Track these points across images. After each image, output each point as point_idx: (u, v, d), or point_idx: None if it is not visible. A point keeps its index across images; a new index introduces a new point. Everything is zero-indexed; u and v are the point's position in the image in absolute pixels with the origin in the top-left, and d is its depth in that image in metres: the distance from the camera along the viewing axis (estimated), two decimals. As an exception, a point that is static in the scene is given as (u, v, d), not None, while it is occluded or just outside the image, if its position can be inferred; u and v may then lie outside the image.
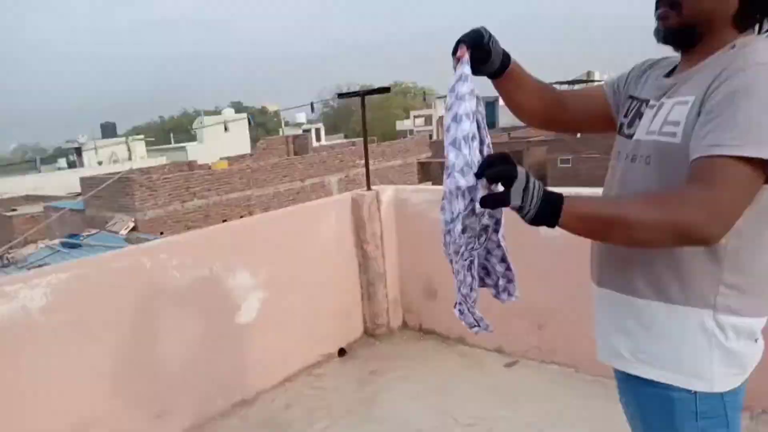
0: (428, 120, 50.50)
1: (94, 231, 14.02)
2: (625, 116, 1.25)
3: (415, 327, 3.55)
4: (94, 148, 35.08)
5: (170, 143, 43.66)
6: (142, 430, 2.60)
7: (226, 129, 37.58)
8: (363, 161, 16.17)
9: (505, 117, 41.67)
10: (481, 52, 1.24)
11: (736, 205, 0.97)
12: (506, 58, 1.31)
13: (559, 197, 1.00)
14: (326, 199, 3.55)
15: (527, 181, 0.99)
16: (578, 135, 27.56)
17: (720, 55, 1.06)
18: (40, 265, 10.98)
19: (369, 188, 3.58)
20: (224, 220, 16.24)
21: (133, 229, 14.08)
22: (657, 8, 1.12)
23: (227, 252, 2.94)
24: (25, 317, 2.31)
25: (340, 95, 3.58)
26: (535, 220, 0.99)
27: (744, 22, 1.08)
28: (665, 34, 1.12)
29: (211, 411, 2.83)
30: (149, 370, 2.65)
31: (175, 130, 54.68)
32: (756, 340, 1.12)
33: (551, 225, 1.00)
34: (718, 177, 0.95)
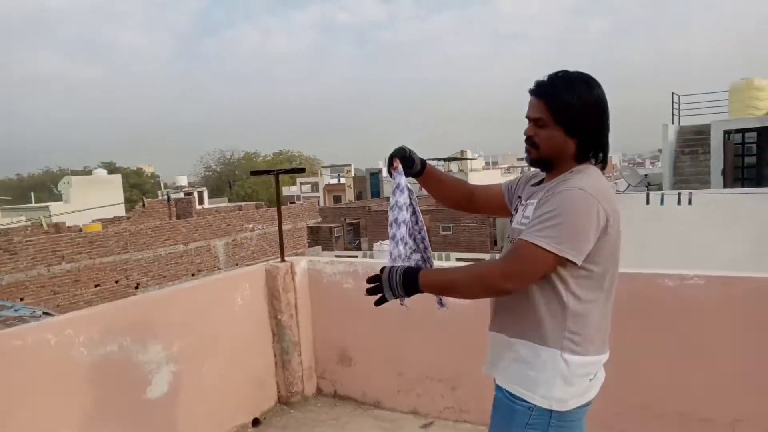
0: (314, 187, 51.13)
1: (-65, 301, 12.24)
2: (514, 209, 1.75)
3: (329, 393, 3.59)
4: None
5: (30, 202, 39.80)
6: None
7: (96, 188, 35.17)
8: (250, 225, 15.93)
9: (389, 187, 43.53)
10: (405, 161, 1.81)
11: (524, 272, 1.47)
12: (424, 163, 1.88)
13: (415, 275, 1.54)
14: (240, 270, 3.56)
15: (389, 280, 1.54)
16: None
17: (561, 176, 1.55)
18: None
19: (283, 259, 3.65)
20: (96, 285, 14.97)
21: (-13, 297, 12.49)
22: (525, 143, 1.61)
23: (138, 326, 2.84)
24: None
25: (253, 173, 3.70)
26: (408, 294, 1.56)
27: (580, 158, 1.56)
28: (530, 162, 1.63)
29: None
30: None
31: (37, 188, 50.08)
32: (590, 379, 1.55)
33: (418, 291, 1.54)
34: (518, 252, 1.48)
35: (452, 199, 1.99)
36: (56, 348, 2.51)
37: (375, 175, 47.47)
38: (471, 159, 46.08)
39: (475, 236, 26.99)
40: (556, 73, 1.55)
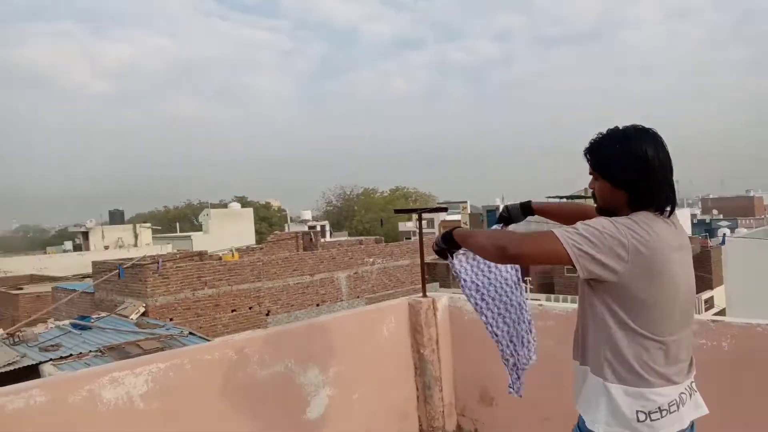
0: (431, 223, 51.53)
1: (104, 314, 13.99)
2: None
3: (470, 432, 3.62)
4: (102, 233, 35.48)
5: (175, 232, 44.22)
6: None
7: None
8: (371, 259, 16.37)
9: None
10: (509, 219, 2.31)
11: (534, 252, 1.63)
12: (527, 206, 2.30)
13: (450, 232, 1.91)
14: (385, 303, 3.75)
15: (441, 240, 1.97)
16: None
17: None
18: (53, 345, 10.92)
19: (425, 295, 3.80)
20: (233, 310, 16.23)
21: (144, 314, 14.04)
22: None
23: (301, 350, 3.12)
24: (128, 402, 2.46)
25: (397, 211, 3.92)
26: (445, 243, 1.94)
27: (634, 207, 1.65)
28: (596, 211, 1.76)
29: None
30: (229, 462, 2.73)
31: (180, 219, 55.59)
32: (646, 412, 1.57)
33: (452, 239, 1.89)
34: (542, 236, 1.61)
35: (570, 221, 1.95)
36: (236, 364, 2.84)
37: (492, 212, 46.91)
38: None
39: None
40: (603, 131, 1.70)
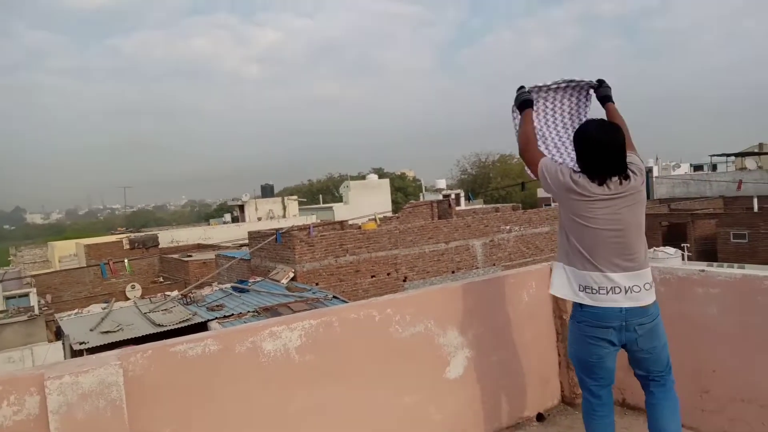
0: (571, 187, 48.60)
1: (258, 278, 15.39)
2: None
3: (617, 401, 3.44)
4: (255, 206, 38.74)
5: (318, 203, 46.88)
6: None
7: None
8: (507, 227, 15.99)
9: (662, 188, 39.02)
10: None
11: (530, 161, 2.69)
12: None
13: (526, 102, 2.81)
14: (527, 268, 3.66)
15: (518, 96, 2.85)
16: (755, 209, 24.86)
17: None
18: (218, 305, 12.28)
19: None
20: (372, 276, 16.94)
21: (293, 278, 15.20)
22: None
23: (441, 311, 3.17)
24: (285, 354, 2.69)
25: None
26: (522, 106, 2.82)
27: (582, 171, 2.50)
28: None
29: (423, 460, 2.99)
30: (373, 411, 2.91)
31: (322, 191, 58.74)
32: (593, 291, 2.46)
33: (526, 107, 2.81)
34: (539, 157, 2.66)
35: None
36: (379, 323, 2.97)
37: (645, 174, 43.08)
38: (773, 153, 38.14)
39: (778, 247, 22.30)
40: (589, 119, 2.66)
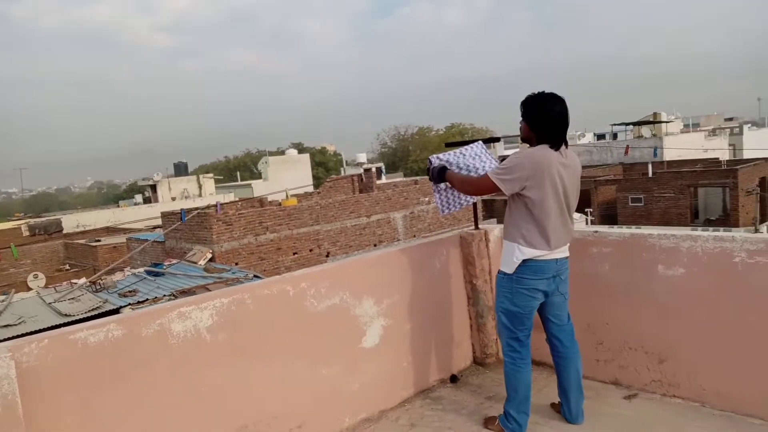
0: (487, 158, 50.26)
1: (174, 261, 14.83)
2: None
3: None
4: (168, 185, 37.04)
5: (236, 180, 45.56)
6: (285, 443, 2.84)
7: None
8: (426, 199, 16.31)
9: (567, 155, 41.09)
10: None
11: (480, 190, 2.98)
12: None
13: (443, 171, 3.17)
14: (438, 237, 3.77)
15: (431, 171, 3.25)
16: (650, 174, 26.94)
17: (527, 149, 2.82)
18: (131, 291, 11.74)
19: (477, 227, 3.79)
20: (294, 253, 16.80)
21: (211, 259, 14.77)
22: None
23: (356, 283, 3.21)
24: (195, 334, 2.63)
25: (448, 144, 3.95)
26: (436, 179, 3.22)
27: (539, 142, 2.74)
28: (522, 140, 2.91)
29: (341, 426, 3.06)
30: (291, 385, 2.92)
31: (240, 168, 57.07)
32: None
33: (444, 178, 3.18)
34: (482, 178, 2.92)
35: None
36: (294, 298, 2.96)
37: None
38: (666, 122, 41.25)
39: (672, 208, 24.41)
40: (533, 92, 2.79)
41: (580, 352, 2.91)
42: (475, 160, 3.26)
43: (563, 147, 2.72)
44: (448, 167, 3.19)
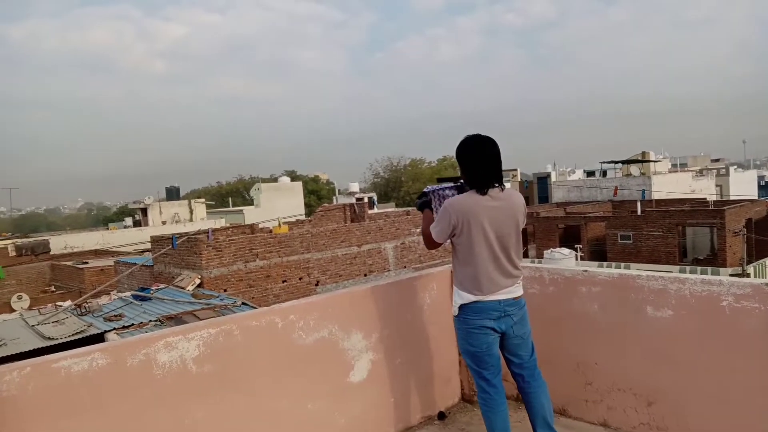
0: (478, 191, 50.51)
1: (162, 286, 14.67)
2: None
3: (512, 396, 3.62)
4: (159, 209, 36.89)
5: (228, 206, 45.47)
6: (268, 480, 2.78)
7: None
8: (418, 230, 16.39)
9: (559, 192, 41.62)
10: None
11: (430, 243, 2.94)
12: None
13: (425, 205, 3.12)
14: (429, 271, 3.77)
15: (422, 200, 3.14)
16: (639, 212, 27.21)
17: None
18: (116, 315, 11.56)
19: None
20: (284, 281, 16.68)
21: (199, 285, 14.63)
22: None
23: (345, 316, 3.19)
24: (181, 365, 2.60)
25: (440, 179, 4.00)
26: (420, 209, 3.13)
27: (470, 186, 2.79)
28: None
29: (327, 465, 3.00)
30: (276, 419, 2.87)
31: (232, 194, 57.02)
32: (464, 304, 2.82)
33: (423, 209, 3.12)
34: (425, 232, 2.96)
35: None
36: (282, 330, 2.94)
37: (543, 179, 45.84)
38: (654, 161, 41.93)
39: (661, 246, 24.59)
40: (464, 137, 2.79)
41: (546, 387, 2.90)
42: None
43: (496, 189, 2.72)
44: (433, 204, 3.21)
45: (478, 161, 2.72)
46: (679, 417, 2.90)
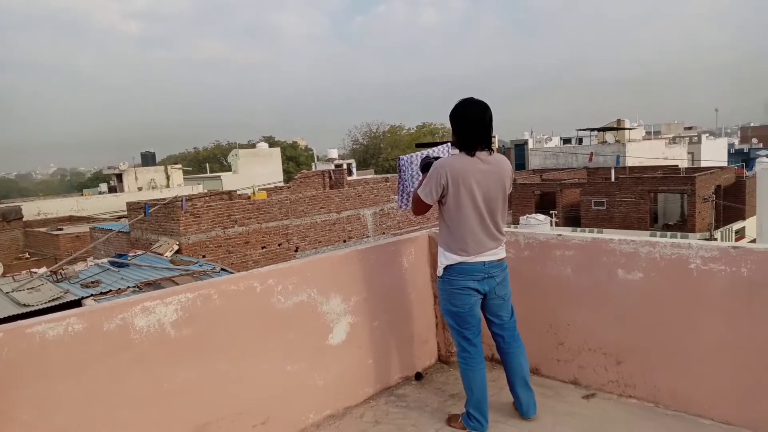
0: (458, 157, 50.57)
1: (140, 252, 14.52)
2: None
3: (487, 357, 3.70)
4: (134, 175, 36.21)
5: (205, 173, 44.80)
6: (249, 439, 2.84)
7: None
8: (396, 196, 16.42)
9: (536, 159, 41.92)
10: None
11: (417, 207, 2.97)
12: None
13: (427, 166, 2.94)
14: (407, 236, 3.79)
15: (423, 164, 3.08)
16: (612, 179, 27.61)
17: None
18: (93, 281, 11.45)
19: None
20: (263, 247, 16.64)
21: (177, 251, 14.52)
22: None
23: (323, 280, 3.21)
24: (159, 329, 2.60)
25: (419, 145, 4.01)
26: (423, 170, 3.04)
27: (461, 148, 2.81)
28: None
29: (306, 422, 3.06)
30: (256, 382, 2.91)
31: (209, 160, 56.12)
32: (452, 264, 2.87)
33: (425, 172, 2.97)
34: (414, 199, 3.00)
35: None
36: (261, 294, 2.95)
37: (520, 146, 46.02)
38: (629, 129, 42.34)
39: (632, 212, 25.09)
40: (459, 100, 2.84)
41: (524, 347, 3.00)
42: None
43: (484, 152, 2.76)
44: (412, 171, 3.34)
45: (471, 123, 2.75)
46: (646, 375, 3.02)
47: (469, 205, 2.74)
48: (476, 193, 2.73)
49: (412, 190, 3.39)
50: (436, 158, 3.25)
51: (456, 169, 2.73)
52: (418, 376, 3.61)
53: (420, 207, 2.92)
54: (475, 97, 2.83)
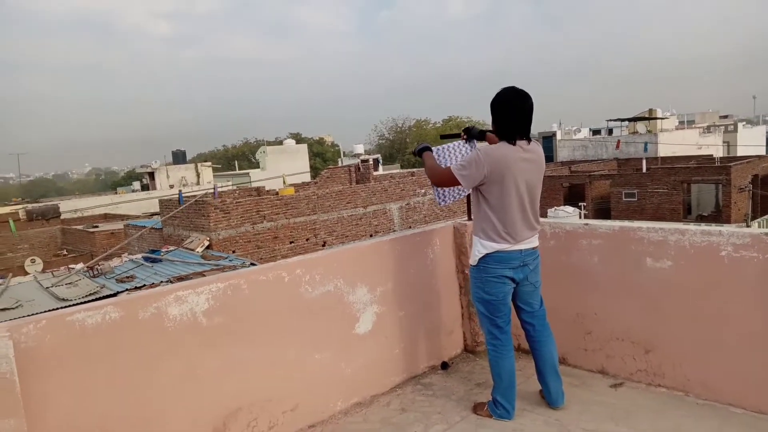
0: (485, 151, 50.08)
1: (172, 248, 14.86)
2: None
3: (514, 347, 3.73)
4: (166, 173, 36.97)
5: (234, 170, 45.45)
6: (277, 422, 2.91)
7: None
8: (422, 190, 16.32)
9: (564, 151, 41.26)
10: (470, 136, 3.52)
11: (444, 181, 2.99)
12: (483, 133, 3.39)
13: (424, 149, 3.21)
14: (432, 227, 3.81)
15: (421, 146, 3.24)
16: (644, 170, 27.00)
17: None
18: (128, 276, 11.78)
19: (470, 218, 3.83)
20: (291, 242, 16.84)
21: (208, 247, 14.81)
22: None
23: (350, 270, 3.26)
24: (192, 318, 2.69)
25: (443, 136, 4.04)
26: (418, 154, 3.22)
27: (501, 137, 2.82)
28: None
29: (334, 409, 3.12)
30: (284, 369, 2.97)
31: (238, 158, 56.89)
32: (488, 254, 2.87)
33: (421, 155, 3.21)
34: (448, 170, 2.87)
35: None
36: (288, 284, 3.02)
37: (548, 138, 45.35)
38: (662, 118, 41.33)
39: (665, 203, 24.51)
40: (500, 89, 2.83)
41: (553, 336, 2.99)
42: (456, 153, 3.47)
43: (524, 142, 2.76)
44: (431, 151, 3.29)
45: (513, 112, 2.74)
46: (675, 364, 2.98)
47: (513, 194, 2.74)
48: (519, 182, 2.74)
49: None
50: (443, 149, 3.47)
51: (500, 158, 2.73)
52: (444, 366, 3.63)
53: (446, 181, 2.93)
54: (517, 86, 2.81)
